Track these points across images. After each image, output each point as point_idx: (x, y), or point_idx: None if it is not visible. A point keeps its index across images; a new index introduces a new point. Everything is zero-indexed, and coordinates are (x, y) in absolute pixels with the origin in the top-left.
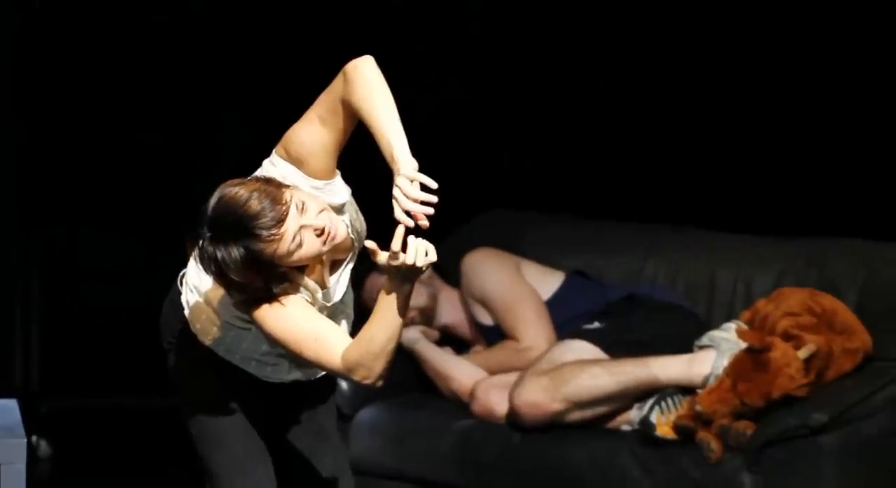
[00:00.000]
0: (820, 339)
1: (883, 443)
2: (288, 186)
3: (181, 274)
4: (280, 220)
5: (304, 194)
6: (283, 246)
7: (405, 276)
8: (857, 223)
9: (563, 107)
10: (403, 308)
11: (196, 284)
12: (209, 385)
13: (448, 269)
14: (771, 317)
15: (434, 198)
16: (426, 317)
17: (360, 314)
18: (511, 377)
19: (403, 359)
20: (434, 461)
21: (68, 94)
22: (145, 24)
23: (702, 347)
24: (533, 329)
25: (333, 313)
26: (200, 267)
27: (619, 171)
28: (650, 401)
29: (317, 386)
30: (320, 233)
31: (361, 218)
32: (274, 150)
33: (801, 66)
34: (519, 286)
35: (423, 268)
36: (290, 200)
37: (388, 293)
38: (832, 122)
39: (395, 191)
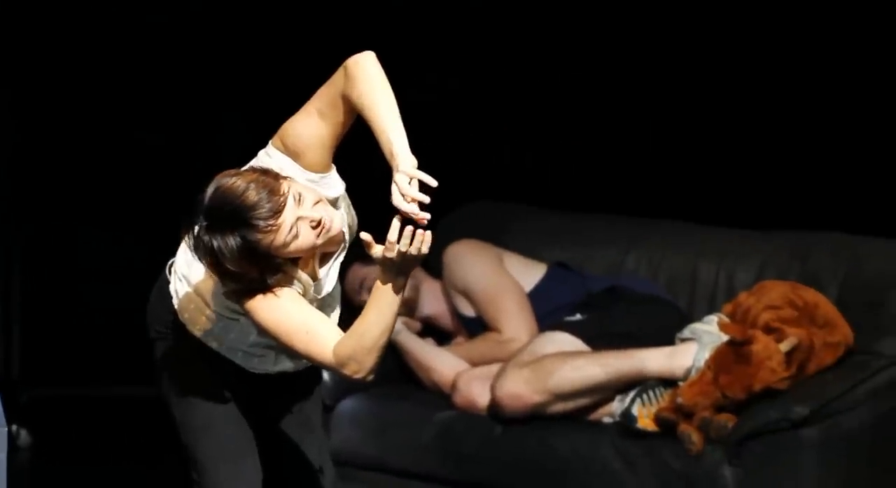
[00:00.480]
0: (801, 332)
1: (864, 437)
2: (285, 178)
3: (170, 263)
4: (277, 211)
5: (301, 186)
6: (280, 237)
7: (399, 269)
8: (839, 217)
9: (548, 100)
10: (397, 301)
11: (185, 273)
12: (197, 374)
13: (430, 260)
14: (753, 309)
15: (427, 199)
16: (408, 307)
17: (342, 305)
18: (493, 368)
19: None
20: (415, 452)
21: (68, 94)
22: (145, 25)
23: (684, 340)
24: (515, 320)
25: (322, 306)
26: (192, 256)
27: (602, 164)
28: (632, 393)
29: (304, 377)
30: (316, 224)
31: (353, 212)
32: (270, 142)
33: (784, 60)
34: (501, 277)
35: (419, 260)
36: (288, 191)
37: (382, 288)
38: (815, 116)
39: (393, 188)
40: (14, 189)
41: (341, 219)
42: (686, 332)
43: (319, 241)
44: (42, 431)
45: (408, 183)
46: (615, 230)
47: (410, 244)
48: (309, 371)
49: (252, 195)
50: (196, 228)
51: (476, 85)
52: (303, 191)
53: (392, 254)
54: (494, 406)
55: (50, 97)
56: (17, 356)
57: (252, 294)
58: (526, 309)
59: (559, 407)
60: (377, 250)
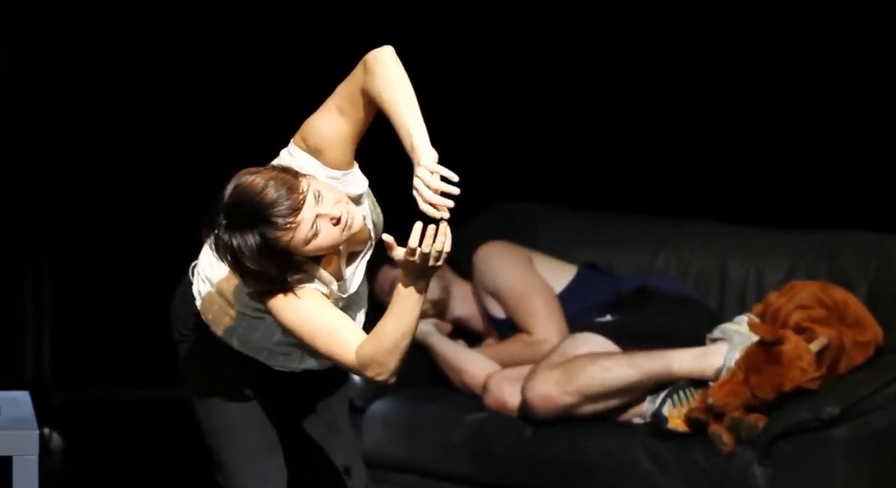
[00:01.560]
0: (832, 332)
1: (894, 435)
2: (305, 175)
3: (192, 264)
4: (296, 209)
5: (321, 184)
6: (300, 234)
7: (421, 272)
8: (868, 215)
9: (575, 100)
10: (419, 305)
11: (208, 274)
12: (221, 375)
13: (460, 262)
14: (783, 309)
15: (456, 190)
16: (438, 309)
17: (372, 306)
18: (523, 370)
19: (416, 351)
20: (446, 453)
21: (67, 94)
22: (145, 25)
23: (714, 340)
24: (545, 322)
25: (348, 305)
26: (214, 256)
27: (630, 164)
28: (662, 394)
29: (330, 376)
30: (336, 222)
31: (378, 209)
32: (292, 140)
33: (811, 60)
34: (531, 279)
35: (440, 263)
36: (307, 189)
37: (403, 292)
38: (842, 114)
39: (416, 182)
40: (27, 191)
41: (364, 217)
42: (716, 332)
43: (342, 239)
44: (74, 434)
45: (430, 176)
46: (644, 230)
47: (433, 243)
48: (335, 370)
49: (271, 192)
50: (216, 227)
51: (502, 86)
52: (323, 188)
53: (413, 258)
54: (525, 407)
55: (52, 98)
56: (48, 359)
57: (274, 293)
58: (556, 310)
59: (590, 408)
60: (399, 252)
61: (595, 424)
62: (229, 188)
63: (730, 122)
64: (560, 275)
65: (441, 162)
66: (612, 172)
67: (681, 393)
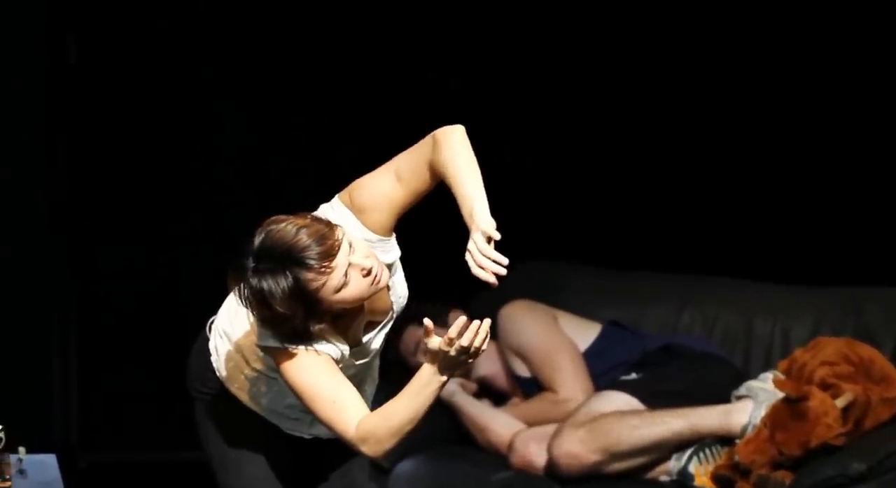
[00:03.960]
0: (857, 388)
1: None
2: (338, 226)
3: (210, 321)
4: (331, 254)
5: (353, 237)
6: (332, 281)
7: (451, 364)
8: (893, 271)
9: (600, 159)
10: (435, 394)
11: (227, 330)
12: (236, 433)
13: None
14: (808, 366)
15: (505, 260)
16: (465, 368)
17: (383, 381)
18: (549, 428)
19: (442, 411)
20: None
21: (66, 94)
22: (146, 26)
23: (739, 397)
24: (570, 380)
25: (359, 377)
26: (235, 310)
27: (654, 221)
28: (688, 452)
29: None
30: (367, 273)
31: (405, 283)
32: (337, 195)
33: (834, 118)
34: (556, 337)
35: (471, 360)
36: (342, 238)
37: (424, 378)
38: (867, 171)
39: (471, 245)
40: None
41: (389, 285)
42: (742, 390)
43: (368, 293)
44: None
45: (485, 242)
46: (669, 287)
47: (473, 337)
48: None
49: (304, 238)
50: (244, 271)
51: (528, 146)
52: (354, 241)
53: (449, 349)
54: (552, 466)
55: (51, 98)
56: (75, 421)
57: (287, 351)
58: (581, 368)
59: (616, 466)
60: (434, 341)
61: (622, 482)
62: (259, 235)
63: (754, 179)
64: (585, 333)
65: (462, 225)
66: (637, 230)
67: (707, 451)
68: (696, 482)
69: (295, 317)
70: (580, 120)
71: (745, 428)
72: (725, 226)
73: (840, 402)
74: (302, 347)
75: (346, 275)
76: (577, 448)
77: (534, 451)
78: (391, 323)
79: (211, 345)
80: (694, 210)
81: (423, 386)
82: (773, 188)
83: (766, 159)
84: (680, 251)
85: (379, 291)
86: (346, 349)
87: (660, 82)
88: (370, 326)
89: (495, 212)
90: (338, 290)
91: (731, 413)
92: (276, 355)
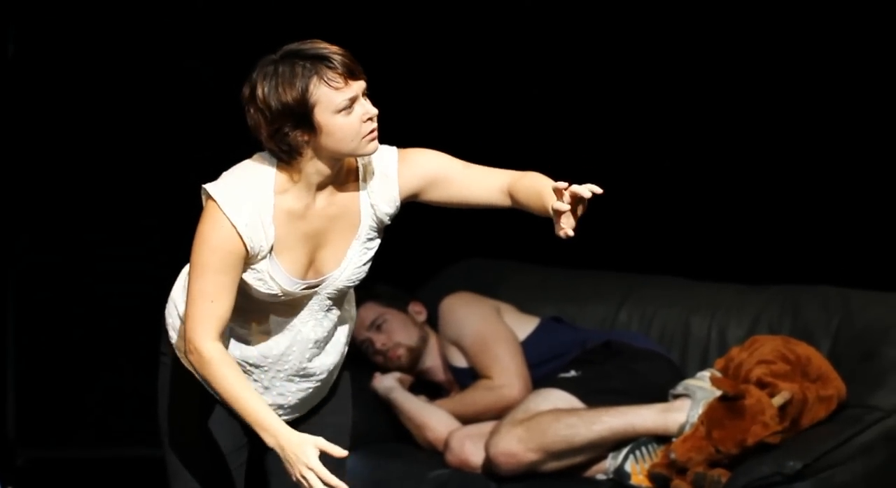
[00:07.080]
0: (794, 387)
1: None
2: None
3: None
4: (353, 72)
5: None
6: (340, 97)
7: (287, 453)
8: (830, 270)
9: (539, 158)
10: (249, 418)
11: (179, 298)
12: (190, 407)
13: (430, 315)
14: (745, 364)
15: (599, 190)
16: (413, 356)
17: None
18: (486, 427)
19: (378, 407)
20: None
21: (66, 93)
22: (145, 24)
23: (677, 396)
24: (506, 367)
25: (330, 309)
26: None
27: (593, 220)
28: (625, 450)
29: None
30: (368, 119)
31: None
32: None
33: (777, 117)
34: (493, 326)
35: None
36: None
37: (271, 431)
38: (804, 170)
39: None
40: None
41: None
42: (679, 389)
43: (359, 147)
44: None
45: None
46: (607, 285)
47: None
48: (335, 404)
49: (336, 50)
50: (266, 65)
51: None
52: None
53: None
54: (489, 464)
55: (51, 99)
56: (12, 417)
57: (216, 214)
58: (518, 356)
59: (553, 464)
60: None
61: (558, 480)
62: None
63: (692, 178)
64: (525, 324)
65: (411, 219)
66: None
67: (643, 449)
68: (633, 480)
69: (284, 124)
70: (523, 118)
71: (682, 427)
72: (664, 225)
73: (777, 401)
74: (233, 219)
75: (353, 104)
76: (515, 446)
77: (469, 450)
78: (376, 245)
79: (168, 322)
80: (633, 208)
81: (262, 425)
82: (710, 187)
83: (703, 159)
84: (619, 249)
85: (368, 152)
86: (283, 279)
87: (619, 80)
88: (342, 244)
89: (434, 210)
90: (338, 111)
91: (670, 411)
92: (205, 207)
